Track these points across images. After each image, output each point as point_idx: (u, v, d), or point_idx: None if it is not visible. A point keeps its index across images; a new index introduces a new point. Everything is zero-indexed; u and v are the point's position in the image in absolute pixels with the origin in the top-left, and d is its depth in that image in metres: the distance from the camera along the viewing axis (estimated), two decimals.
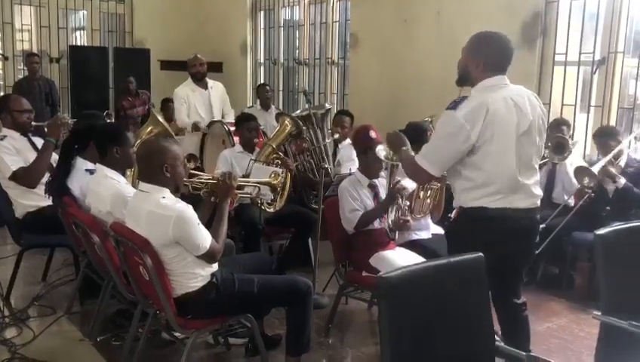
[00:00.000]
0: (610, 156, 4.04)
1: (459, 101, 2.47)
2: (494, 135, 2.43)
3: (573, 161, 4.34)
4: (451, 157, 2.50)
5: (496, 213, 2.48)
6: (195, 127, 5.44)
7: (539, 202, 2.62)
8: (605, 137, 4.21)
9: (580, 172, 4.02)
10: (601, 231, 2.18)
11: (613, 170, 4.04)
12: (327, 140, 4.72)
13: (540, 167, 4.40)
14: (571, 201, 4.37)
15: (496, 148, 2.44)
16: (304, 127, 4.82)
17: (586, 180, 3.96)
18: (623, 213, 3.89)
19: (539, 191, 2.61)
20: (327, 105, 5.61)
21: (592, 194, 4.11)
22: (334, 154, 4.87)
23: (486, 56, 2.52)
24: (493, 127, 2.42)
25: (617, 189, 4.06)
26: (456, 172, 2.56)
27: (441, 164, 2.54)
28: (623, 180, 4.04)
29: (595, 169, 3.94)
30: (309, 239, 4.24)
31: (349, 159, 4.60)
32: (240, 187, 3.16)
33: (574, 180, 4.17)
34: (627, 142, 4.28)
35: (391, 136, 2.92)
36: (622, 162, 4.15)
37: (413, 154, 2.69)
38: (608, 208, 4.14)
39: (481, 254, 1.92)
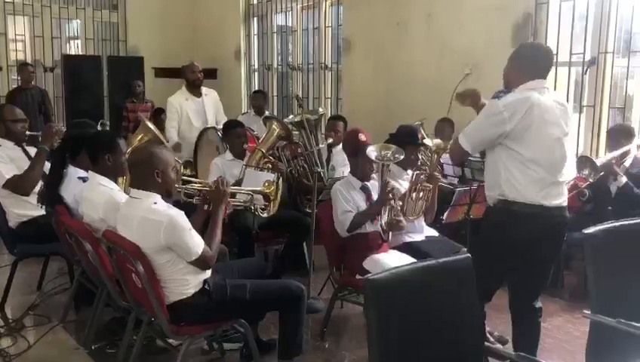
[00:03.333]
0: (617, 153, 4.05)
1: (503, 92, 2.71)
2: (539, 129, 2.58)
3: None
4: (487, 138, 2.68)
5: (534, 209, 2.60)
6: (177, 146, 5.33)
7: (567, 200, 2.76)
8: (619, 135, 4.19)
9: (583, 162, 4.03)
10: (590, 231, 2.19)
11: (616, 168, 4.03)
12: (320, 145, 4.74)
13: None
14: None
15: (541, 141, 2.60)
16: (297, 132, 4.84)
17: (586, 171, 3.97)
18: (624, 214, 3.87)
19: (566, 190, 2.78)
20: (321, 110, 5.62)
21: (586, 191, 4.11)
22: (328, 158, 4.88)
23: (527, 62, 2.71)
24: (535, 120, 2.58)
25: (619, 189, 4.05)
26: (499, 161, 2.67)
27: (475, 144, 2.74)
28: (624, 179, 4.03)
29: (599, 161, 3.95)
30: (304, 243, 4.25)
31: (343, 163, 4.60)
32: (233, 195, 3.17)
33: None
34: (635, 144, 4.26)
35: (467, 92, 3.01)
36: (627, 162, 4.15)
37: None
38: (610, 208, 4.11)
39: (469, 255, 1.93)
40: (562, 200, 2.70)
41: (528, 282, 2.78)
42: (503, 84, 2.83)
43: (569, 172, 2.79)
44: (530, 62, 2.71)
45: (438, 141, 3.54)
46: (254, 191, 3.34)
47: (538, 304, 2.82)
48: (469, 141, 2.72)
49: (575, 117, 5.09)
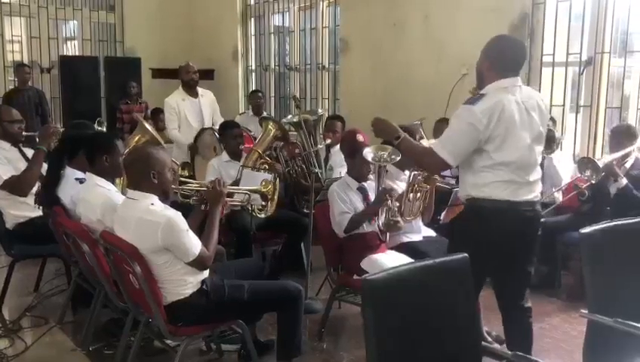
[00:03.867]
0: (619, 154, 4.04)
1: (477, 98, 2.57)
2: (508, 134, 2.52)
3: (561, 158, 4.36)
4: (468, 148, 2.59)
5: (505, 204, 2.56)
6: (190, 146, 5.37)
7: (540, 195, 2.72)
8: (621, 135, 4.16)
9: (584, 163, 4.03)
10: (587, 230, 2.19)
11: (617, 169, 4.03)
12: (319, 145, 4.73)
13: None
14: (559, 198, 4.39)
15: (510, 146, 2.54)
16: (295, 133, 4.83)
17: (588, 172, 3.98)
18: (622, 214, 3.87)
19: (540, 187, 2.73)
20: (320, 111, 5.62)
21: (586, 192, 4.12)
22: (326, 159, 4.88)
23: (497, 59, 2.60)
24: (506, 126, 2.52)
25: (618, 190, 4.05)
26: (470, 164, 2.63)
27: (458, 154, 2.62)
28: (624, 180, 4.02)
29: (601, 162, 3.95)
30: (302, 244, 4.25)
31: (341, 164, 4.60)
32: (230, 195, 3.17)
33: (562, 176, 4.18)
34: (637, 145, 4.26)
35: (379, 124, 2.89)
36: (628, 164, 4.15)
37: (425, 145, 2.80)
38: (608, 208, 4.10)
39: (466, 255, 1.93)
40: (533, 195, 2.65)
41: (508, 280, 2.74)
42: (476, 79, 2.72)
43: (539, 171, 2.71)
44: (500, 58, 2.60)
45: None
46: (252, 191, 3.34)
47: (527, 304, 2.77)
48: (450, 152, 2.60)
49: (572, 117, 5.12)
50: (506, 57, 2.60)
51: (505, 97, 2.54)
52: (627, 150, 4.06)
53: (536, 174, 2.67)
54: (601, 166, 3.93)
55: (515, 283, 2.75)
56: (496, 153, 2.54)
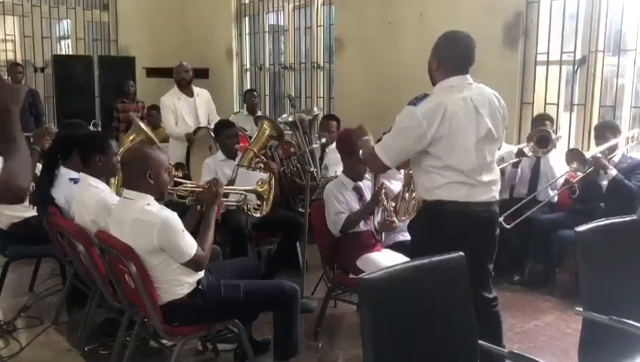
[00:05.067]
0: (604, 146, 4.05)
1: (420, 98, 2.51)
2: (451, 136, 2.46)
3: (557, 157, 4.37)
4: (405, 152, 2.58)
5: (458, 206, 2.51)
6: (189, 138, 5.41)
7: (497, 196, 2.66)
8: (605, 129, 4.19)
9: (571, 155, 4.04)
10: (582, 228, 2.20)
11: (604, 161, 4.03)
12: (314, 145, 4.74)
13: (521, 162, 4.49)
14: (555, 198, 4.41)
15: (455, 147, 2.48)
16: (290, 132, 4.84)
17: (575, 165, 3.99)
18: (615, 211, 3.90)
19: (497, 187, 2.66)
20: (316, 111, 5.63)
21: (577, 189, 4.14)
22: (321, 158, 4.88)
23: (445, 57, 2.56)
24: (450, 127, 2.46)
25: (610, 183, 4.04)
26: (419, 167, 2.59)
27: (395, 157, 2.61)
28: (614, 171, 4.02)
29: (587, 155, 3.96)
30: (297, 243, 4.25)
31: (336, 163, 4.60)
32: (226, 195, 3.17)
33: (557, 175, 4.20)
34: (624, 139, 4.28)
35: (355, 130, 2.93)
36: (616, 158, 4.17)
37: (372, 144, 2.74)
38: (602, 205, 4.11)
39: (461, 253, 1.93)
40: (488, 196, 2.57)
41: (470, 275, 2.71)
42: (429, 78, 2.68)
43: (496, 171, 2.66)
44: (448, 56, 2.54)
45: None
46: (247, 191, 3.34)
47: (491, 294, 2.72)
48: (389, 155, 2.56)
49: (566, 115, 5.14)
50: (455, 55, 2.56)
51: (450, 97, 2.49)
52: (611, 142, 4.07)
53: (491, 175, 2.59)
54: (587, 158, 3.94)
55: (475, 279, 2.68)
56: (442, 155, 2.48)
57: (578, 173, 4.02)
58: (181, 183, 3.03)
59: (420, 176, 2.63)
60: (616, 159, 4.17)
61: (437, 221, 2.56)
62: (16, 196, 1.60)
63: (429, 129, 2.45)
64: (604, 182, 4.11)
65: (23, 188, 1.61)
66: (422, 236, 2.66)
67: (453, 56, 2.56)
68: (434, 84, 2.62)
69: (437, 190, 2.54)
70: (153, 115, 6.67)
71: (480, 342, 1.92)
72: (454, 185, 2.51)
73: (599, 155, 4.03)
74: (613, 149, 4.14)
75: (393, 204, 3.39)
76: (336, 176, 3.82)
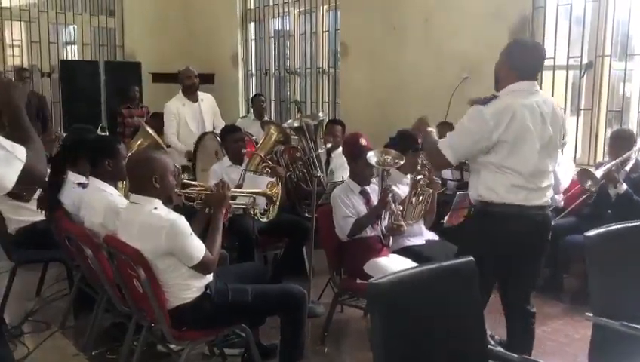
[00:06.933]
0: (617, 161, 4.05)
1: (489, 98, 2.56)
2: (517, 140, 2.52)
3: (562, 161, 4.35)
4: (470, 150, 2.61)
5: (516, 209, 2.56)
6: (189, 156, 5.36)
7: (550, 200, 2.72)
8: (620, 141, 4.17)
9: (583, 175, 4.05)
10: (592, 233, 2.19)
11: (616, 175, 4.02)
12: (320, 149, 4.74)
13: None
14: (561, 202, 4.39)
15: (519, 151, 2.53)
16: (296, 137, 4.84)
17: (589, 183, 3.99)
18: (623, 217, 3.87)
19: (551, 191, 2.72)
20: (321, 115, 5.62)
21: (593, 195, 4.13)
22: (327, 162, 4.88)
23: (517, 61, 2.60)
24: (516, 132, 2.51)
25: (618, 197, 4.05)
26: (482, 165, 2.62)
27: (460, 155, 2.65)
28: (624, 186, 4.02)
29: (600, 172, 3.96)
30: (304, 248, 4.24)
31: (342, 167, 4.61)
32: (234, 198, 3.17)
33: (561, 179, 4.18)
34: (636, 149, 4.26)
35: (417, 121, 2.97)
36: (628, 167, 4.15)
37: (436, 138, 2.79)
38: (610, 211, 4.11)
39: (472, 258, 1.93)
40: (543, 200, 2.65)
41: (515, 283, 2.74)
42: (494, 80, 2.71)
43: (552, 176, 2.71)
44: (520, 61, 2.59)
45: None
46: (257, 193, 3.33)
47: (532, 309, 2.78)
48: (454, 152, 2.62)
49: (572, 120, 5.12)
50: (526, 61, 2.61)
51: (517, 102, 2.53)
52: (624, 156, 4.06)
53: (548, 181, 2.66)
54: (599, 177, 3.94)
55: (521, 286, 2.75)
56: (506, 158, 2.54)
57: (592, 190, 4.02)
58: (189, 185, 3.02)
59: (479, 175, 2.65)
60: (628, 168, 4.14)
61: (492, 222, 2.61)
62: (37, 180, 1.75)
63: (496, 130, 2.50)
64: (613, 191, 4.10)
65: (43, 174, 1.77)
66: (474, 236, 2.70)
67: (525, 61, 2.61)
68: (498, 88, 2.66)
69: (496, 190, 2.57)
70: (152, 124, 6.60)
71: (490, 347, 1.91)
72: (515, 188, 2.56)
73: (612, 170, 4.02)
74: (626, 161, 4.12)
75: (400, 208, 3.39)
76: (342, 181, 3.82)
